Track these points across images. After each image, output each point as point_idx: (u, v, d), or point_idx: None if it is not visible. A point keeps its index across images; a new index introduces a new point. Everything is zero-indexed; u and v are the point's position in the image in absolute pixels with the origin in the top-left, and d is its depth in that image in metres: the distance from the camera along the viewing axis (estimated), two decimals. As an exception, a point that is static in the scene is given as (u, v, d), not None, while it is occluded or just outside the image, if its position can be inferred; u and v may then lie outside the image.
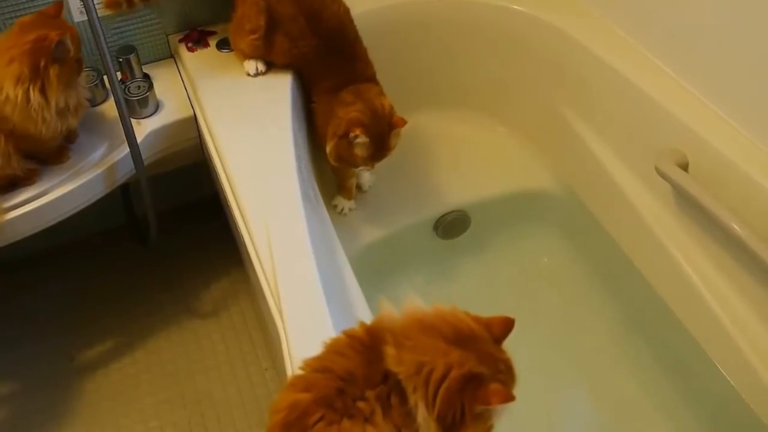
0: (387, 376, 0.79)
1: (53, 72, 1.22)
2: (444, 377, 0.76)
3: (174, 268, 1.80)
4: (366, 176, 1.59)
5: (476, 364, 0.77)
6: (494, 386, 0.76)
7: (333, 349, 0.84)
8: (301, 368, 0.83)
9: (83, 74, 1.34)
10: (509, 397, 0.76)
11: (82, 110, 1.34)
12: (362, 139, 1.30)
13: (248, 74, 1.47)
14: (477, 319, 0.84)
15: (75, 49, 1.26)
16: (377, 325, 0.83)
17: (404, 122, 1.33)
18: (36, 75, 1.20)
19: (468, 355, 0.78)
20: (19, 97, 1.20)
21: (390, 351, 0.79)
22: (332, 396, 0.78)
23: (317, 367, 0.82)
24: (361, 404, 0.77)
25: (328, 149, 1.36)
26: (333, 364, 0.81)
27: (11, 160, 1.27)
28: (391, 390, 0.79)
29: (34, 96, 1.21)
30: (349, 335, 0.84)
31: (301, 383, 0.81)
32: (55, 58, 1.21)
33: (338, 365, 0.80)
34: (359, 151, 1.33)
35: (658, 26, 1.42)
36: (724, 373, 1.31)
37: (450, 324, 0.81)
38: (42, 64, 1.20)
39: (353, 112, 1.32)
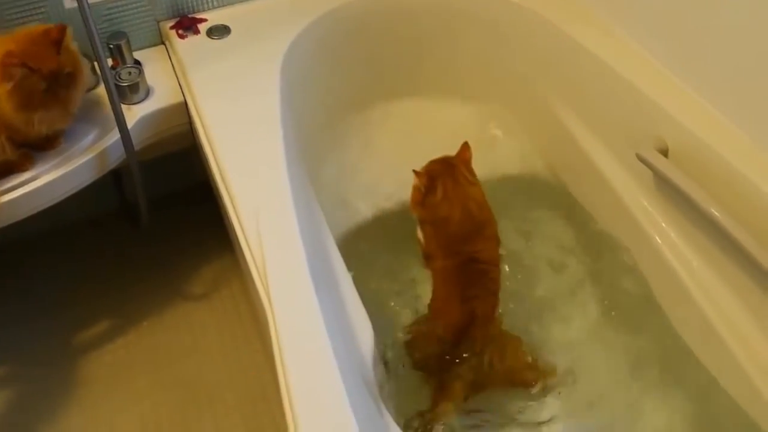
0: None
1: (2, 89, 1.23)
2: None
3: (166, 252, 1.81)
4: None
5: None
6: None
7: None
8: None
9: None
10: None
11: (62, 123, 1.36)
12: None
13: None
14: None
15: (44, 81, 1.25)
16: None
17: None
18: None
19: None
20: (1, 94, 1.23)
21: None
22: None
23: None
24: None
25: None
26: None
27: (5, 148, 1.29)
28: None
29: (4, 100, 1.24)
30: None
31: None
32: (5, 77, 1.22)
33: None
34: None
35: (641, 14, 1.43)
36: (701, 361, 1.34)
37: None
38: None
39: None
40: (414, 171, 1.40)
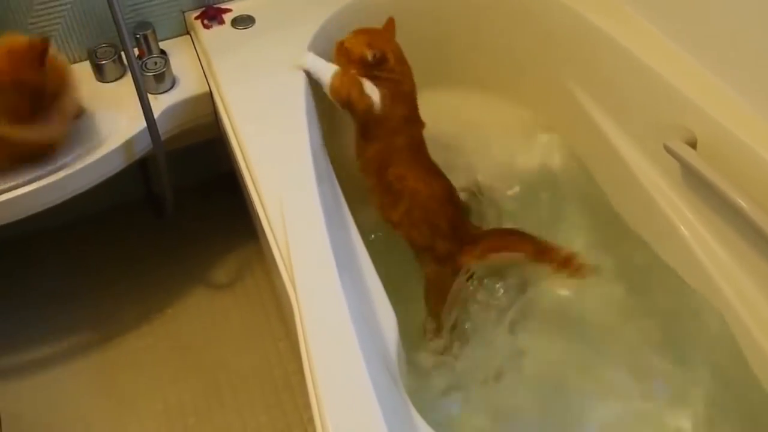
0: None
1: None
2: None
3: (191, 242, 1.83)
4: None
5: None
6: None
7: None
8: None
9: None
10: None
11: (57, 134, 1.35)
12: None
13: None
14: None
15: (28, 97, 1.25)
16: None
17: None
18: None
19: None
20: None
21: None
22: None
23: None
24: None
25: None
26: None
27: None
28: None
29: None
30: None
31: None
32: None
33: None
34: None
35: (668, 4, 1.42)
36: (730, 346, 1.32)
37: None
38: None
39: None
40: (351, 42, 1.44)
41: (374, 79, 1.42)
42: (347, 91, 1.41)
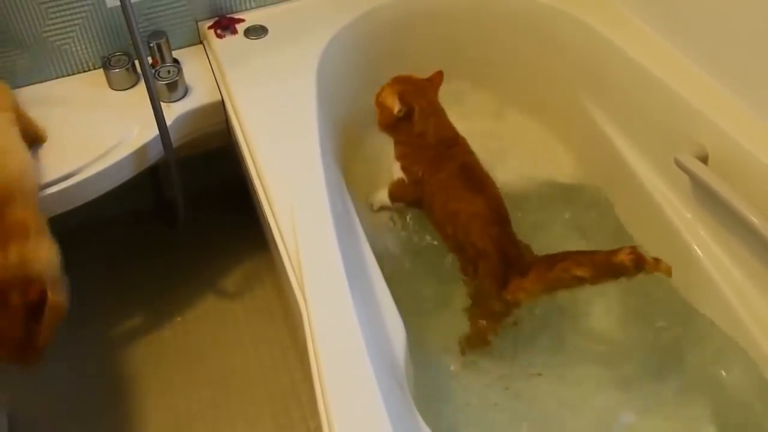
0: None
1: None
2: None
3: (200, 250, 1.83)
4: None
5: None
6: None
7: None
8: None
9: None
10: None
11: None
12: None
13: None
14: None
15: None
16: None
17: None
18: None
19: None
20: None
21: None
22: None
23: None
24: None
25: None
26: None
27: None
28: None
29: None
30: None
31: None
32: None
33: None
34: None
35: (679, 18, 1.42)
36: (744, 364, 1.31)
37: None
38: None
39: None
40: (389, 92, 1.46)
41: (399, 141, 1.49)
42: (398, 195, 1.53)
